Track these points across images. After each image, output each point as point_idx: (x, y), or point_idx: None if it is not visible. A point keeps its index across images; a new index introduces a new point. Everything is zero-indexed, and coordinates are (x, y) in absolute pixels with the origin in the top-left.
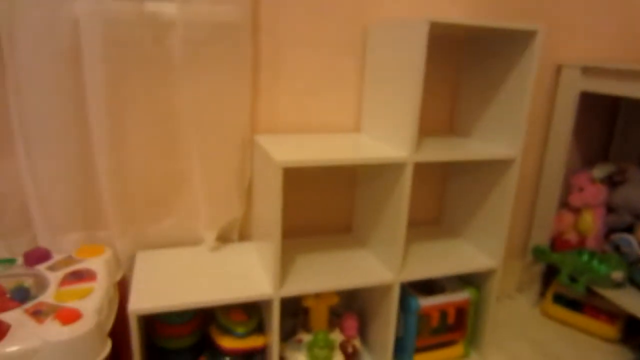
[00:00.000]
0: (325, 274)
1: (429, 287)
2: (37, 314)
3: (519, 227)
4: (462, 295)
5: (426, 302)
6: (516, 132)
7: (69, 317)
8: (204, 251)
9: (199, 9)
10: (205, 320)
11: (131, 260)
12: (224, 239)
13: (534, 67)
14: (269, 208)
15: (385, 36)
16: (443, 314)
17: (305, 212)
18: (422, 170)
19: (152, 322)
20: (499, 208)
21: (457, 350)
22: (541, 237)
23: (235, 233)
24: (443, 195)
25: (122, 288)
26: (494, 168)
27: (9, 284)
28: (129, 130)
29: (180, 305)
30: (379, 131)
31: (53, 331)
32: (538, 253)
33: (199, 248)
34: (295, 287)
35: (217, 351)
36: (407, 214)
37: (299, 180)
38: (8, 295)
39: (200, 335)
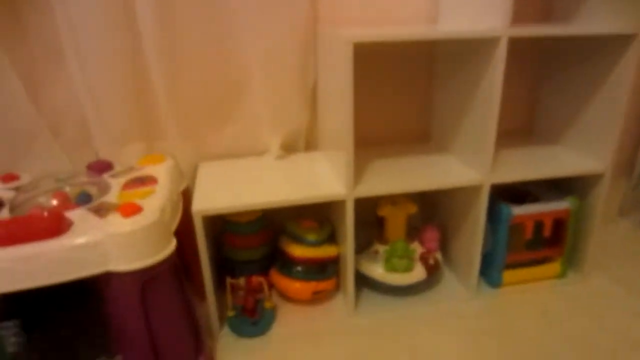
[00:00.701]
0: (402, 176)
1: (520, 199)
2: (99, 211)
3: (629, 141)
4: (561, 205)
5: (519, 211)
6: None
7: (130, 210)
8: (269, 160)
9: None
10: (274, 234)
11: (194, 172)
12: (289, 148)
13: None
14: (344, 98)
15: None
16: (538, 225)
17: (378, 120)
18: (510, 65)
19: (221, 235)
20: (611, 101)
21: (552, 268)
22: None
23: (301, 142)
24: (536, 100)
25: (187, 198)
26: (603, 52)
27: (73, 192)
28: (183, 35)
29: (247, 205)
30: (461, 18)
31: (115, 224)
32: None
33: (263, 158)
34: (369, 187)
35: (288, 261)
36: (500, 102)
37: (370, 82)
38: (73, 201)
39: (270, 248)
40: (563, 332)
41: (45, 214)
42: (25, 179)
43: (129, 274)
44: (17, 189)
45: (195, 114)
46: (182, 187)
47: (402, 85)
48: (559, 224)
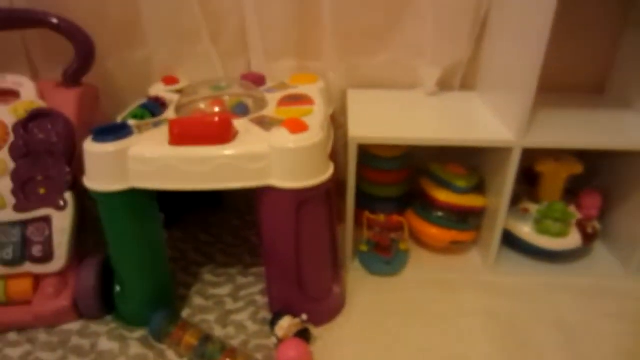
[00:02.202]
0: (577, 130)
1: None
2: (263, 124)
3: None
4: None
5: None
6: None
7: (297, 126)
8: (421, 95)
9: None
10: (414, 175)
11: (342, 97)
12: (443, 85)
13: None
14: (529, 29)
15: None
16: None
17: (550, 63)
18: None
19: (360, 169)
20: None
21: None
22: None
23: (457, 80)
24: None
25: (333, 124)
26: None
27: (231, 101)
28: None
29: (405, 139)
30: None
31: (281, 138)
32: None
33: (415, 91)
34: (542, 138)
35: (429, 204)
36: None
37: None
38: (230, 111)
39: (408, 187)
40: None
41: (217, 119)
42: (183, 82)
43: (289, 192)
44: (177, 92)
45: (353, 36)
46: (330, 111)
47: (585, 25)
48: None
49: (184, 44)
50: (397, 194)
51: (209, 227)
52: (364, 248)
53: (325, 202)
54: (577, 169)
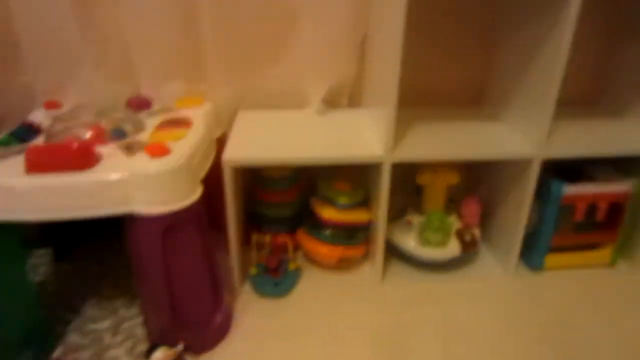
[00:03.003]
0: (447, 142)
1: (573, 176)
2: (128, 149)
3: None
4: (620, 187)
5: (572, 190)
6: None
7: (158, 150)
8: (309, 114)
9: None
10: (306, 192)
11: (232, 119)
12: (332, 103)
13: None
14: (392, 50)
15: None
16: (592, 207)
17: (429, 77)
18: (583, 29)
19: (253, 189)
20: None
21: (602, 256)
22: None
23: (344, 98)
24: (605, 68)
25: (221, 147)
26: None
27: (109, 126)
28: None
29: (278, 160)
30: None
31: (141, 163)
32: None
33: (303, 111)
34: (409, 152)
35: (317, 222)
36: (565, 65)
37: (424, 35)
38: (107, 137)
39: (301, 206)
40: (607, 323)
41: (75, 145)
42: (67, 107)
43: (151, 218)
44: (56, 117)
45: (241, 57)
46: (218, 134)
47: (458, 41)
48: (615, 208)
49: (69, 69)
50: (290, 214)
51: (102, 258)
52: (253, 271)
53: (197, 226)
54: (454, 179)
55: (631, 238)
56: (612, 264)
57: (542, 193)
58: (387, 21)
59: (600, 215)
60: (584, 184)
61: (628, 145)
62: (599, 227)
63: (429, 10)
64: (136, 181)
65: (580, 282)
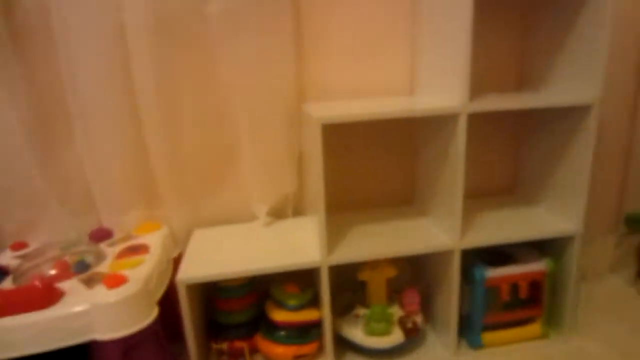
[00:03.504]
0: (378, 242)
1: (502, 259)
2: (89, 281)
3: (610, 194)
4: (536, 266)
5: (494, 273)
6: (594, 74)
7: (115, 281)
8: (258, 227)
9: None
10: (262, 297)
11: (188, 238)
12: (278, 214)
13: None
14: (314, 168)
15: None
16: (514, 287)
17: (364, 184)
18: (488, 128)
19: (211, 298)
20: (579, 164)
21: (533, 330)
22: (637, 204)
23: (289, 208)
24: (516, 160)
25: (179, 264)
26: (569, 118)
27: (73, 259)
28: (178, 108)
29: (226, 274)
30: (434, 91)
31: (100, 295)
32: (631, 222)
33: (253, 224)
34: (344, 255)
35: (272, 325)
36: (464, 173)
37: (353, 149)
38: (71, 270)
39: (257, 311)
40: None
41: (39, 286)
42: (33, 246)
43: (111, 342)
44: (23, 257)
45: (191, 182)
46: (175, 254)
47: (386, 150)
48: (535, 285)
49: (35, 210)
50: (247, 319)
51: None
52: None
53: (155, 343)
54: (391, 273)
55: (557, 311)
56: (544, 336)
57: (469, 278)
58: (311, 143)
59: (523, 293)
60: (504, 267)
61: (539, 229)
62: (524, 304)
63: (357, 135)
64: (96, 311)
65: (517, 356)
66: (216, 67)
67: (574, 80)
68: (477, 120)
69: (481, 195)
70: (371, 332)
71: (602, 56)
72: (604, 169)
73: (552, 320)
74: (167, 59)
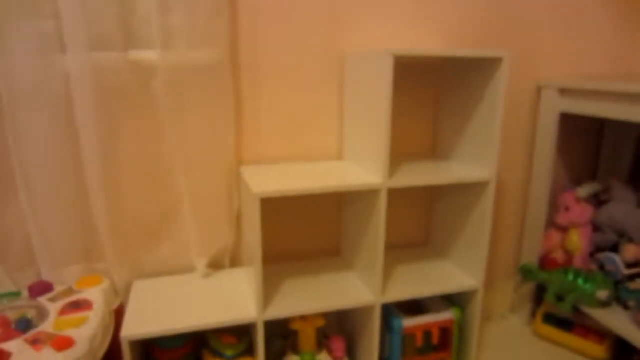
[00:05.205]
0: (308, 297)
1: (416, 308)
2: (36, 343)
3: (510, 247)
4: (445, 315)
5: (409, 322)
6: (490, 154)
7: (63, 344)
8: (197, 278)
9: (178, 54)
10: (199, 345)
11: (129, 289)
12: (216, 265)
13: (502, 92)
14: (251, 236)
15: (358, 67)
16: (427, 334)
17: (296, 237)
18: (405, 194)
19: (149, 347)
20: (479, 229)
21: None
22: (531, 257)
23: (226, 259)
24: (430, 218)
25: (120, 315)
26: (471, 190)
27: (13, 315)
28: (121, 169)
29: (168, 330)
30: (359, 158)
31: (49, 358)
32: (525, 272)
33: (192, 275)
34: (278, 310)
35: None
36: (384, 238)
37: (287, 206)
38: (13, 327)
39: (195, 359)
40: None
41: None
42: None
43: None
44: None
45: (132, 238)
46: (115, 306)
47: (316, 210)
48: (445, 331)
49: None
50: None
51: None
52: None
53: None
54: (320, 322)
55: (463, 353)
56: None
57: (388, 326)
58: (248, 204)
59: (435, 339)
60: (418, 316)
61: (448, 284)
62: (436, 348)
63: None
64: None
65: None
66: (159, 131)
67: (475, 156)
68: (395, 189)
69: (399, 247)
70: None
71: (495, 142)
72: (505, 226)
73: None
74: (112, 122)
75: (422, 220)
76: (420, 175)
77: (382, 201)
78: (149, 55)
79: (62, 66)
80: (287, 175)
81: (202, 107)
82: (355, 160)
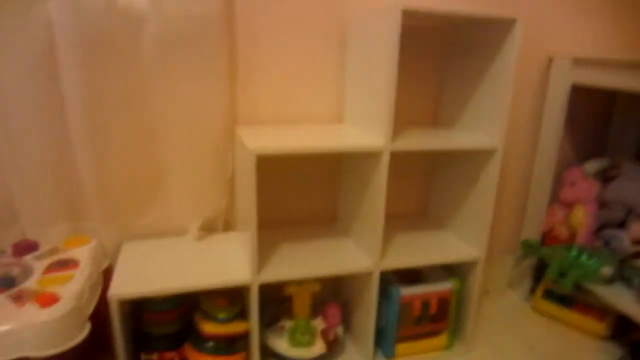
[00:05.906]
0: (305, 261)
1: (415, 277)
2: (19, 299)
3: (511, 221)
4: (444, 286)
5: (407, 292)
6: (498, 122)
7: (47, 300)
8: (189, 241)
9: (170, 3)
10: (191, 308)
11: (118, 251)
12: (208, 229)
13: (514, 57)
14: (247, 197)
15: (362, 26)
16: (425, 303)
17: (292, 203)
18: (406, 161)
19: (139, 309)
20: (483, 199)
21: (440, 340)
22: (532, 232)
23: (220, 223)
24: (430, 187)
25: (109, 277)
26: (476, 159)
27: None
28: (108, 124)
29: (159, 291)
30: (360, 122)
31: (32, 313)
32: (527, 247)
33: (183, 238)
34: (273, 274)
35: (200, 337)
36: (385, 203)
37: (284, 170)
38: None
39: (186, 322)
40: None
41: None
42: None
43: (44, 358)
44: None
45: (120, 197)
46: (104, 267)
47: (314, 173)
48: (443, 302)
49: None
50: (175, 330)
51: None
52: None
53: (86, 357)
54: (316, 288)
55: (460, 325)
56: (449, 347)
57: (385, 295)
58: (244, 164)
59: (432, 309)
60: (416, 286)
61: (448, 254)
62: (433, 319)
63: (288, 160)
64: (28, 330)
65: None
66: (149, 87)
67: (481, 125)
68: (397, 154)
69: (397, 216)
70: (296, 344)
71: (504, 109)
72: (506, 200)
73: (457, 333)
74: (98, 75)
75: (420, 190)
76: (425, 140)
77: (384, 165)
78: (138, 4)
79: (44, 11)
80: (285, 136)
81: (194, 62)
82: (357, 123)
